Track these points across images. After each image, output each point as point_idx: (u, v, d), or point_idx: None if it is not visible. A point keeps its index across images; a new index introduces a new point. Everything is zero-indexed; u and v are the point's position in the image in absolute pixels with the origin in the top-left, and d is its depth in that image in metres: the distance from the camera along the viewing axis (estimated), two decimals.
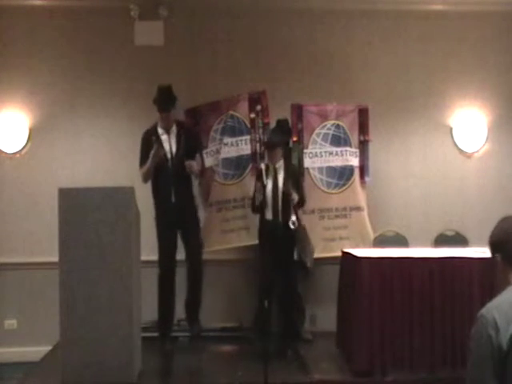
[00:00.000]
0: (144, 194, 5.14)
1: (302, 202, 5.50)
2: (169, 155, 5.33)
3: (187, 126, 5.66)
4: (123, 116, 6.14)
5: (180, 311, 5.55)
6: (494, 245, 2.01)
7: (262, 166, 5.53)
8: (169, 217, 5.30)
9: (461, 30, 6.38)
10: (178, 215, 5.29)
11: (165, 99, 5.28)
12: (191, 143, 5.47)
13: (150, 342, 5.23)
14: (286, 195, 5.36)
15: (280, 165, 5.50)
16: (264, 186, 5.37)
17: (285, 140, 5.69)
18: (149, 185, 5.41)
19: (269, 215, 5.43)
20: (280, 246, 5.34)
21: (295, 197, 5.35)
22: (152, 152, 5.21)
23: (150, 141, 5.26)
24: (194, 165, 5.34)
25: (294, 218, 5.32)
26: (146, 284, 5.00)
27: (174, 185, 5.28)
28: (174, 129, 5.39)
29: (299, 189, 5.47)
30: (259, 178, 5.48)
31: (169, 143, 5.34)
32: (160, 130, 5.36)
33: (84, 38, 6.11)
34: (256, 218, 5.61)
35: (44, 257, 5.62)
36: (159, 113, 5.31)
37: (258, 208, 5.42)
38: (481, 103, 6.42)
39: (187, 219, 5.40)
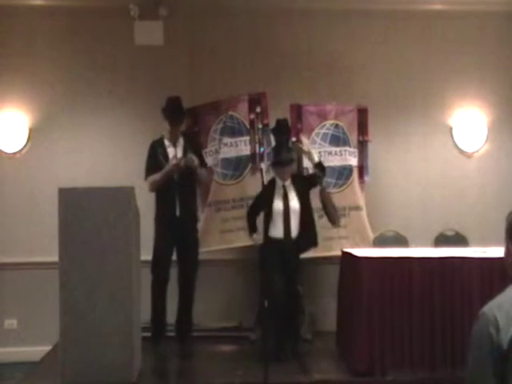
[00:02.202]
0: (144, 194, 5.12)
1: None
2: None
3: (192, 136, 5.61)
4: (123, 116, 6.14)
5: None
6: (507, 232, 1.83)
7: (262, 167, 5.40)
8: (170, 230, 5.17)
9: (461, 29, 6.38)
10: (179, 231, 5.16)
11: (178, 112, 5.23)
12: (197, 152, 5.35)
13: (150, 341, 5.22)
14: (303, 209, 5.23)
15: (289, 183, 5.22)
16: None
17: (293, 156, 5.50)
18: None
19: (279, 234, 5.11)
20: (291, 263, 5.15)
21: (314, 158, 5.36)
22: (166, 168, 5.11)
23: (156, 153, 5.20)
24: (195, 159, 5.17)
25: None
26: (145, 284, 5.00)
27: (179, 197, 5.17)
28: (180, 140, 5.31)
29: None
30: None
31: (175, 155, 5.23)
32: (167, 142, 5.29)
33: (84, 38, 6.10)
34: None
35: (44, 257, 5.61)
36: (171, 126, 5.23)
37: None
38: (481, 103, 6.42)
39: (188, 237, 5.25)
